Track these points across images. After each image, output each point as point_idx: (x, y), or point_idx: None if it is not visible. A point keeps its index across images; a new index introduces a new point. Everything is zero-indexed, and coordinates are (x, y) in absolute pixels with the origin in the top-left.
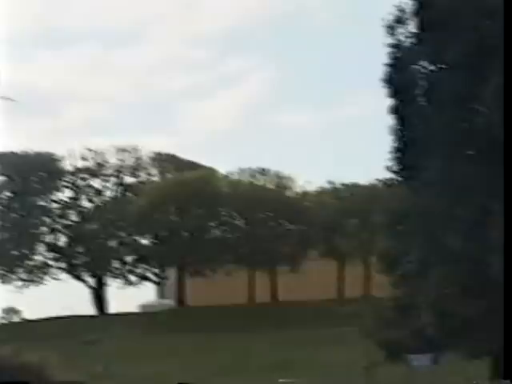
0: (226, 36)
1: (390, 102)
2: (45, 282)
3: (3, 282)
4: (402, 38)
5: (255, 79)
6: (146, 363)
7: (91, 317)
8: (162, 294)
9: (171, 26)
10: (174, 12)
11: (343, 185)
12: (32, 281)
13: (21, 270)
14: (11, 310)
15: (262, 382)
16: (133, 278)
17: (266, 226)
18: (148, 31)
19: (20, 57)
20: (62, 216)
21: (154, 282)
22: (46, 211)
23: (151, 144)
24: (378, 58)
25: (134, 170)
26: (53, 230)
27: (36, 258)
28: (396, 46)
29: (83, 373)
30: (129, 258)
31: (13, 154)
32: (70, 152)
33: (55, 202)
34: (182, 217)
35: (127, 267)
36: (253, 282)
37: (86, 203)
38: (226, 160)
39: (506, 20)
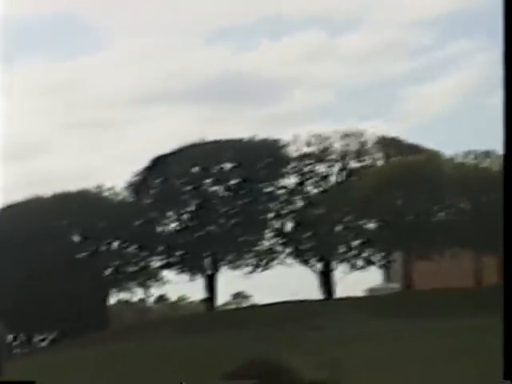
0: (446, 20)
1: None
2: (272, 268)
3: (232, 268)
4: None
5: (476, 62)
6: (372, 349)
7: (318, 301)
8: (388, 278)
9: (392, 11)
10: None
11: None
12: (260, 266)
13: (249, 256)
14: (240, 295)
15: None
16: (359, 262)
17: (492, 208)
18: (369, 16)
19: (243, 45)
20: (287, 202)
21: (380, 266)
22: (273, 197)
23: (374, 128)
24: None
25: (359, 155)
26: (279, 216)
27: (263, 243)
28: None
29: (309, 360)
30: (354, 243)
31: (240, 141)
32: (295, 138)
33: (281, 187)
34: (407, 200)
35: (353, 252)
36: (479, 265)
37: (311, 189)
38: (450, 143)
39: (506, 20)
